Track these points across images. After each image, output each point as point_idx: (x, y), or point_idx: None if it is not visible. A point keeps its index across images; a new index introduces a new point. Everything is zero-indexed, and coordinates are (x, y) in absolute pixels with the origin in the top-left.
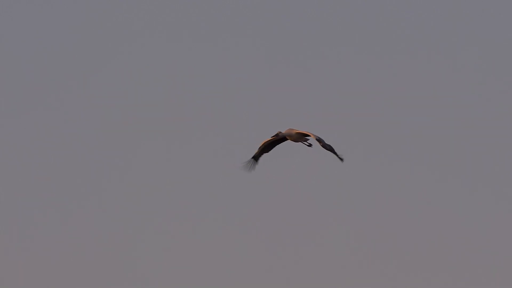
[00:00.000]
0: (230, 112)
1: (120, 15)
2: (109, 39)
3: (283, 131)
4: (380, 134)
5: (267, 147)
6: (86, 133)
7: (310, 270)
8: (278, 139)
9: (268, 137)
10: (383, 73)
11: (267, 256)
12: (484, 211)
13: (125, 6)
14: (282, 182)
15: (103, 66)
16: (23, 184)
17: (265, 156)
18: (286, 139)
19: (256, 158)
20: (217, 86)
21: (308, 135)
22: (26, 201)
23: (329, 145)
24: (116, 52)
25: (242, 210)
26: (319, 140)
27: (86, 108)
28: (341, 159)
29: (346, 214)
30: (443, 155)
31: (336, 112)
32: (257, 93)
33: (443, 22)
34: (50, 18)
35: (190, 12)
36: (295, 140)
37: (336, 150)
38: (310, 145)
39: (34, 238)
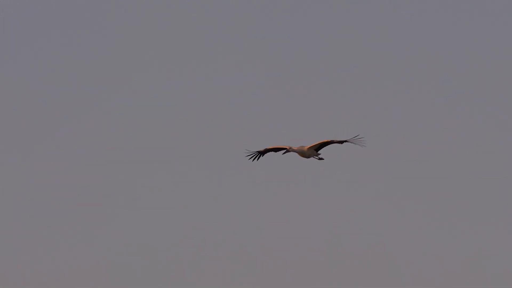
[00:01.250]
0: (230, 124)
1: (121, 16)
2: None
3: (295, 148)
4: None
5: (274, 149)
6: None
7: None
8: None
9: (278, 145)
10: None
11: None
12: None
13: (127, 6)
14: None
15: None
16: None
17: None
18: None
19: (261, 153)
20: (218, 103)
21: (320, 143)
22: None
23: (344, 140)
24: (121, 64)
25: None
26: (332, 141)
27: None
28: (361, 142)
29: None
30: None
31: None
32: (257, 107)
33: (440, 45)
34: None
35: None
36: (308, 157)
37: (352, 138)
38: (321, 158)
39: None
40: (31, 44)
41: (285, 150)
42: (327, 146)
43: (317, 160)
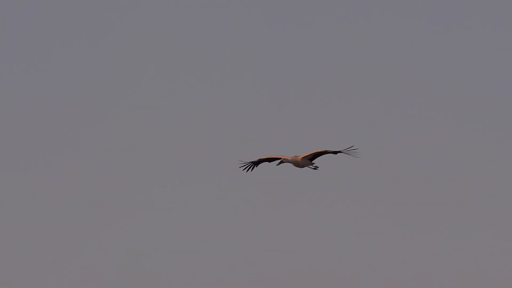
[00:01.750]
0: (228, 136)
1: (121, 16)
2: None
3: (288, 158)
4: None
5: (268, 160)
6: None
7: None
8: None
9: (272, 155)
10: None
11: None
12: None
13: (127, 7)
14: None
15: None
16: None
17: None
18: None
19: (255, 163)
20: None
21: (314, 153)
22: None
23: (338, 150)
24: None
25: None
26: (326, 151)
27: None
28: (357, 155)
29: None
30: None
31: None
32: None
33: (438, 55)
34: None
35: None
36: (302, 166)
37: (346, 149)
38: (316, 167)
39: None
40: (31, 44)
41: (279, 161)
42: (321, 156)
43: (312, 169)
